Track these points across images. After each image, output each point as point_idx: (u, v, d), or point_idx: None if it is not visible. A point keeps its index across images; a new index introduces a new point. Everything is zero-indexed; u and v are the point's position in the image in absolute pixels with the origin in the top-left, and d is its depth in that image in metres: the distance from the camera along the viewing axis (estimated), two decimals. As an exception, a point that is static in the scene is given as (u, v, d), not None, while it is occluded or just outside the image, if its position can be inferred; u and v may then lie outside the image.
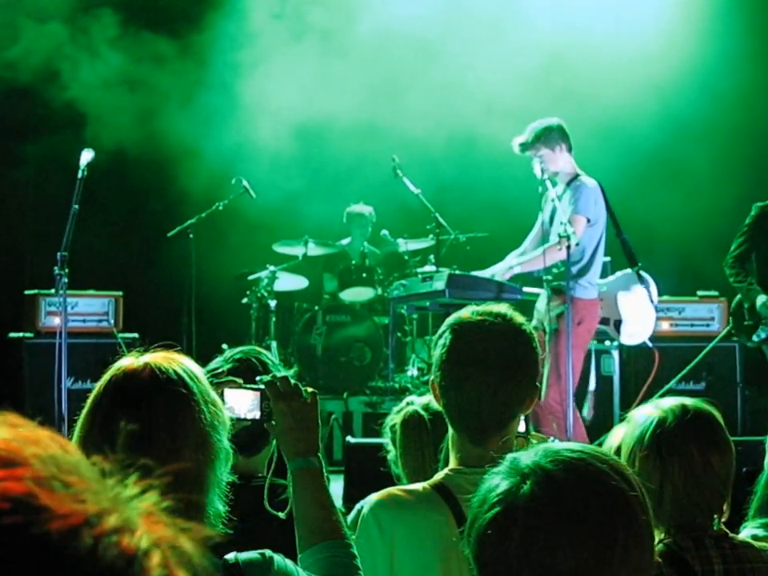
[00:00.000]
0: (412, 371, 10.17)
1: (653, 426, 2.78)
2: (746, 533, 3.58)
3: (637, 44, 10.71)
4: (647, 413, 2.85)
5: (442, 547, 2.56)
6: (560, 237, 7.08)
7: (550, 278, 7.49)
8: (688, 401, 2.87)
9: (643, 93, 10.71)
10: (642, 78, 10.77)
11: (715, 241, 9.13)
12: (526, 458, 1.70)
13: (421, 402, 4.00)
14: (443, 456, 3.44)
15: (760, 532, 3.59)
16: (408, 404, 4.05)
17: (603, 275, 8.07)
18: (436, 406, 3.99)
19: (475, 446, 2.67)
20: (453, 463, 2.72)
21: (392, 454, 4.08)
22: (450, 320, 2.76)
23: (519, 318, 2.76)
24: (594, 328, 7.67)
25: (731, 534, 2.78)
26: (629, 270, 7.92)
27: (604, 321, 7.74)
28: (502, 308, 2.77)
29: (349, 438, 6.65)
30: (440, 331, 2.76)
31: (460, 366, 2.68)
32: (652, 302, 7.94)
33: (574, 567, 1.60)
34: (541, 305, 7.61)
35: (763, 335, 8.24)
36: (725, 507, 2.80)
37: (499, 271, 7.63)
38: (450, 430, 2.76)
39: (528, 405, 2.72)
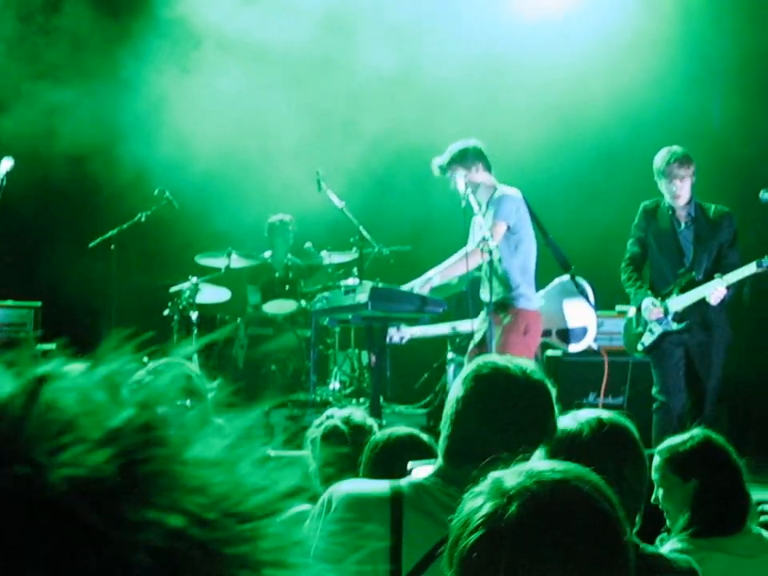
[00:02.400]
0: (334, 384, 10.16)
1: (568, 439, 2.80)
2: (669, 546, 3.64)
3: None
4: (564, 425, 2.86)
5: (370, 556, 2.58)
6: (481, 251, 7.12)
7: (490, 298, 7.42)
8: (605, 414, 2.88)
9: (566, 114, 10.81)
10: (576, 98, 10.87)
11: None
12: (510, 479, 1.67)
13: (341, 415, 4.00)
14: (362, 469, 3.44)
15: (682, 545, 3.65)
16: (328, 417, 4.05)
17: None
18: (356, 419, 4.01)
19: (446, 465, 2.74)
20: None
21: (312, 467, 4.08)
22: (474, 366, 2.80)
23: (546, 384, 2.80)
24: (539, 341, 7.65)
25: (642, 545, 2.81)
26: (563, 277, 7.88)
27: (546, 333, 7.71)
28: (531, 366, 2.82)
29: (269, 451, 6.56)
30: (466, 373, 2.79)
31: (470, 412, 2.72)
32: (590, 304, 7.87)
33: None
34: (482, 322, 7.52)
35: (647, 343, 7.98)
36: (636, 519, 2.83)
37: (418, 284, 7.64)
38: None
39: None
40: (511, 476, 1.68)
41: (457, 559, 1.66)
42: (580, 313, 7.89)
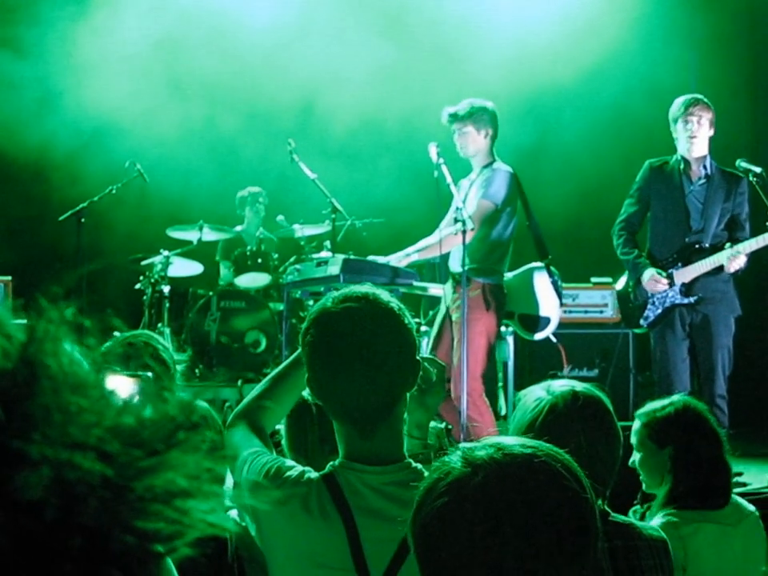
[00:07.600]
0: (307, 357, 10.11)
1: (544, 412, 2.77)
2: (657, 521, 3.62)
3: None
4: (538, 396, 2.84)
5: (315, 547, 2.50)
6: (456, 221, 7.11)
7: (457, 269, 7.39)
8: (579, 386, 2.87)
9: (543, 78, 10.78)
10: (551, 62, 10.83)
11: (608, 227, 9.17)
12: (480, 450, 1.66)
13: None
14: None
15: (670, 519, 3.63)
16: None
17: None
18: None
19: (363, 439, 2.54)
20: (341, 456, 2.59)
21: (283, 442, 4.03)
22: (312, 314, 2.61)
23: (383, 296, 2.62)
24: (502, 315, 7.56)
25: (612, 513, 2.81)
26: (537, 263, 7.67)
27: (509, 314, 7.63)
28: (365, 289, 2.63)
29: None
30: (304, 326, 2.62)
31: (332, 360, 2.54)
32: (559, 296, 7.63)
33: (520, 565, 1.57)
34: (447, 294, 7.53)
35: (651, 317, 7.37)
36: (608, 492, 2.81)
37: (395, 258, 7.62)
38: (335, 423, 2.61)
39: (412, 382, 2.58)
40: (481, 448, 1.67)
41: (418, 525, 1.65)
42: (547, 303, 7.62)
